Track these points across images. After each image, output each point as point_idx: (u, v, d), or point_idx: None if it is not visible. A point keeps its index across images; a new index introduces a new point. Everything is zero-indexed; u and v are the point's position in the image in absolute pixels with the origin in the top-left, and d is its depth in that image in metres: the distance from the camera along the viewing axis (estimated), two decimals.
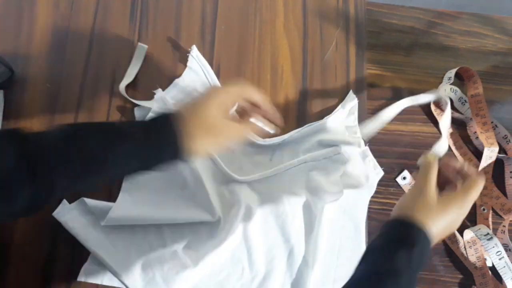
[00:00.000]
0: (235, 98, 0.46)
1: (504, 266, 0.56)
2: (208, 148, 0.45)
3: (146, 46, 0.61)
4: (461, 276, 0.59)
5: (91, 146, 0.39)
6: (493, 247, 0.56)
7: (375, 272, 0.39)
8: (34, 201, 0.36)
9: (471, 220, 0.61)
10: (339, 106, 0.61)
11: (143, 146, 0.40)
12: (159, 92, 0.57)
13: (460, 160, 0.47)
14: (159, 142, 0.41)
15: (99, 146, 0.39)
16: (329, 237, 0.55)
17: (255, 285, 0.53)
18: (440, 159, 0.46)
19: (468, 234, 0.59)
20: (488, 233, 0.56)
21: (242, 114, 0.49)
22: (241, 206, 0.54)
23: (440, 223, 0.42)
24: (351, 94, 0.62)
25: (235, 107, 0.48)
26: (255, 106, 0.48)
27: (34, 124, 0.57)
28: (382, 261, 0.39)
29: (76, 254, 0.53)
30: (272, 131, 0.51)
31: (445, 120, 0.60)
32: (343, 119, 0.60)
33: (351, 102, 0.61)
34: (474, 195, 0.44)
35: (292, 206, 0.55)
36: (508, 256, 0.56)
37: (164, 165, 0.42)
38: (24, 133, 0.37)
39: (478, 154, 0.62)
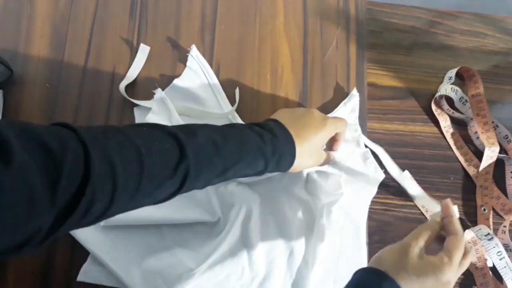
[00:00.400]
0: (332, 134, 0.53)
1: (505, 266, 0.56)
2: (305, 167, 0.51)
3: (148, 47, 0.61)
4: (461, 276, 0.58)
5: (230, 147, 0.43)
6: (494, 247, 0.55)
7: None
8: (170, 197, 0.41)
9: (471, 220, 0.61)
10: (341, 104, 0.61)
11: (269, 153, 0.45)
12: (158, 92, 0.57)
13: (454, 212, 0.45)
14: (281, 155, 0.46)
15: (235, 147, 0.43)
16: (330, 238, 0.55)
17: (255, 285, 0.53)
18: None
19: (469, 234, 0.58)
20: (488, 233, 0.56)
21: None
22: (241, 206, 0.53)
23: (418, 285, 0.40)
24: (354, 92, 0.61)
25: None
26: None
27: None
28: None
29: (76, 254, 0.53)
30: (337, 159, 0.56)
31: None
32: (345, 117, 0.60)
33: (354, 100, 0.61)
34: (457, 261, 0.41)
35: (292, 207, 0.55)
36: (508, 257, 0.56)
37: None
38: (183, 140, 0.40)
39: (478, 154, 0.62)
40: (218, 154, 0.41)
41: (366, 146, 0.60)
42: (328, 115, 0.59)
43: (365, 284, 0.41)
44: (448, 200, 0.46)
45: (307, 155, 0.49)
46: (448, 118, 0.64)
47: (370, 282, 0.41)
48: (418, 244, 0.42)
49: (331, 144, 0.56)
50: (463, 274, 0.58)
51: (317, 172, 0.56)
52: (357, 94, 0.61)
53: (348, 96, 0.61)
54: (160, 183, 0.38)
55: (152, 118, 0.56)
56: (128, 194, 0.35)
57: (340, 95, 0.62)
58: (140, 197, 0.37)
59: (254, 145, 0.44)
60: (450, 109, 0.63)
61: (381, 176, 0.58)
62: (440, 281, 0.40)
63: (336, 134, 0.54)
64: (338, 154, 0.56)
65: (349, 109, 0.60)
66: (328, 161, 0.54)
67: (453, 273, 0.41)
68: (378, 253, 0.44)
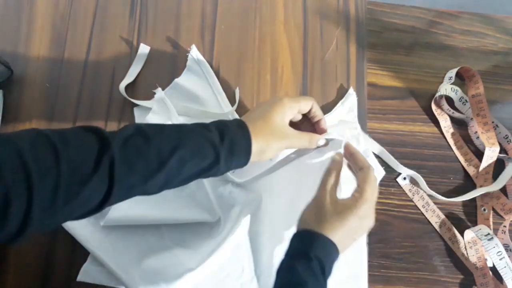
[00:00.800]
0: (294, 111, 0.48)
1: (505, 266, 0.56)
2: (272, 149, 0.46)
3: (148, 47, 0.61)
4: (461, 276, 0.59)
5: (162, 143, 0.39)
6: (494, 247, 0.55)
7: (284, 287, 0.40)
8: (106, 199, 0.36)
9: (471, 220, 0.61)
10: (339, 103, 0.61)
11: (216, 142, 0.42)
12: (159, 92, 0.56)
13: (353, 149, 0.47)
14: (232, 139, 0.43)
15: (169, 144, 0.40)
16: None
17: (255, 285, 0.53)
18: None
19: (469, 234, 0.58)
20: (488, 233, 0.56)
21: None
22: (241, 206, 0.53)
23: (339, 232, 0.42)
24: (351, 91, 0.61)
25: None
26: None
27: (33, 124, 0.57)
28: (289, 276, 0.40)
29: (76, 254, 0.53)
30: (322, 143, 0.51)
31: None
32: (343, 116, 0.60)
33: (351, 99, 0.61)
34: (369, 193, 0.43)
35: (292, 206, 0.55)
36: (508, 257, 0.56)
37: (232, 167, 0.44)
38: (104, 131, 0.38)
39: (479, 154, 0.62)
40: (149, 143, 0.39)
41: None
42: (326, 114, 0.60)
43: (299, 250, 0.42)
44: (349, 143, 0.48)
45: (265, 134, 0.45)
46: (448, 118, 0.64)
47: (302, 246, 0.42)
48: (328, 191, 0.44)
49: (312, 126, 0.52)
50: (464, 274, 0.58)
51: (315, 170, 0.55)
52: (354, 93, 0.61)
53: (345, 95, 0.62)
54: (85, 179, 0.35)
55: (153, 118, 0.56)
56: (48, 189, 0.33)
57: (340, 95, 0.62)
58: (65, 194, 0.34)
59: (195, 132, 0.42)
60: (450, 109, 0.63)
61: (382, 173, 0.58)
62: (360, 217, 0.43)
63: (311, 113, 0.50)
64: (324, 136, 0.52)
65: (347, 108, 0.60)
66: (312, 142, 0.49)
67: (369, 204, 0.43)
68: (300, 215, 0.46)
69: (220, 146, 0.42)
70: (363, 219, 0.43)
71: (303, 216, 0.45)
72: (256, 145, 0.44)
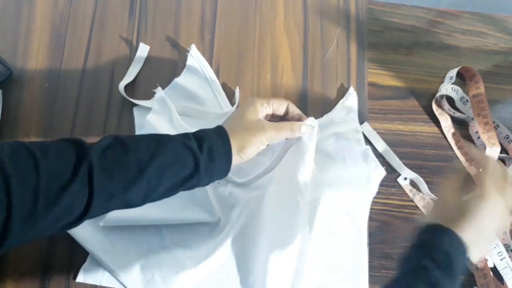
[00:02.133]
0: (268, 109, 0.50)
1: (506, 267, 0.55)
2: (251, 144, 0.46)
3: (148, 47, 0.60)
4: (462, 276, 0.58)
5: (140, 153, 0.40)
6: (495, 247, 0.55)
7: (417, 265, 0.40)
8: (87, 209, 0.36)
9: None
10: (339, 103, 0.61)
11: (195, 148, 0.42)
12: (159, 92, 0.56)
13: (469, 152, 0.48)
14: (210, 145, 0.43)
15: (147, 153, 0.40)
16: (330, 238, 0.54)
17: (254, 284, 0.53)
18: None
19: None
20: None
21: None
22: (241, 207, 0.53)
23: (471, 226, 0.41)
24: (351, 91, 0.61)
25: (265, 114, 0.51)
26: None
27: (33, 123, 0.57)
28: (414, 265, 0.40)
29: (75, 254, 0.53)
30: (306, 130, 0.51)
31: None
32: (343, 116, 0.60)
33: (351, 99, 0.60)
34: (488, 182, 0.43)
35: (292, 206, 0.54)
36: (509, 257, 0.56)
37: (215, 169, 0.44)
38: (83, 142, 0.38)
39: None
40: (128, 151, 0.39)
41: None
42: (326, 114, 0.60)
43: (425, 241, 0.42)
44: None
45: (241, 130, 0.46)
46: (449, 118, 0.63)
47: (429, 238, 0.42)
48: (450, 190, 0.45)
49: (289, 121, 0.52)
50: (464, 275, 0.58)
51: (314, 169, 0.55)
52: (354, 93, 0.61)
53: (346, 95, 0.61)
54: (64, 186, 0.35)
55: (153, 118, 0.56)
56: (28, 195, 0.33)
57: (341, 95, 0.62)
58: (45, 201, 0.34)
59: (174, 141, 0.42)
60: (451, 109, 0.63)
61: (382, 173, 0.58)
62: (484, 214, 0.42)
63: (289, 114, 0.52)
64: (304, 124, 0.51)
65: (347, 108, 0.60)
66: (294, 129, 0.49)
67: (492, 198, 0.42)
68: (428, 213, 0.47)
69: (199, 153, 0.42)
70: (491, 210, 0.42)
71: (430, 214, 0.46)
72: (234, 144, 0.45)
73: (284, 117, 0.53)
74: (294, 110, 0.52)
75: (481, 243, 0.43)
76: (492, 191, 0.42)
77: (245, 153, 0.46)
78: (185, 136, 0.43)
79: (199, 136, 0.43)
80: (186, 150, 0.41)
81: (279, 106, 0.50)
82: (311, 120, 0.51)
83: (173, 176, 0.41)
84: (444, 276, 0.39)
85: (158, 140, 0.42)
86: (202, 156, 0.42)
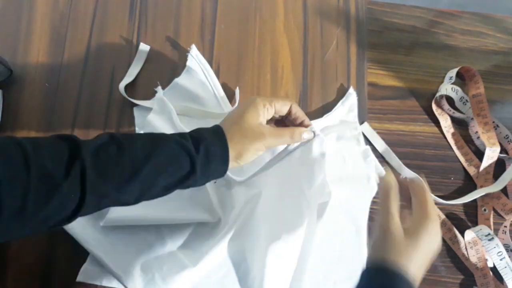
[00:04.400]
0: (270, 111, 0.47)
1: (506, 267, 0.55)
2: (249, 152, 0.45)
3: (148, 47, 0.60)
4: (462, 276, 0.59)
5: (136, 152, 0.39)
6: (494, 247, 0.55)
7: None
8: (79, 208, 0.36)
9: (472, 220, 0.61)
10: (339, 103, 0.61)
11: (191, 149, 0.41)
12: (159, 92, 0.56)
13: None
14: (207, 147, 0.42)
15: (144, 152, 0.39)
16: (330, 238, 0.55)
17: (254, 283, 0.53)
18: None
19: (469, 234, 0.58)
20: (489, 234, 0.56)
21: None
22: (241, 207, 0.53)
23: (416, 259, 0.40)
24: (351, 91, 0.61)
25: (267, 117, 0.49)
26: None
27: (33, 123, 0.57)
28: None
29: (75, 254, 0.53)
30: (308, 136, 0.50)
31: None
32: (343, 116, 0.60)
33: (351, 99, 0.61)
34: (431, 212, 0.41)
35: (292, 206, 0.55)
36: (509, 257, 0.56)
37: (211, 171, 0.43)
38: (77, 139, 0.37)
39: (479, 154, 0.62)
40: (123, 150, 0.38)
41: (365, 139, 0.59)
42: (326, 114, 0.60)
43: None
44: (389, 173, 0.45)
45: (240, 137, 0.44)
46: (448, 118, 0.63)
47: (378, 284, 0.40)
48: (393, 216, 0.42)
49: (293, 124, 0.51)
50: (464, 274, 0.58)
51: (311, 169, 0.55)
52: (354, 93, 0.61)
53: (346, 95, 0.61)
54: (56, 184, 0.34)
55: (154, 118, 0.56)
56: (17, 192, 0.33)
57: (341, 95, 0.62)
58: (35, 199, 0.33)
59: (170, 141, 0.41)
60: (450, 109, 0.63)
61: (382, 173, 0.58)
62: (429, 240, 0.41)
63: (292, 115, 0.49)
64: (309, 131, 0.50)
65: (347, 108, 0.60)
66: (295, 136, 0.48)
67: (435, 222, 0.41)
68: (370, 244, 0.43)
69: (196, 155, 0.41)
70: (433, 239, 0.41)
71: (375, 246, 0.43)
72: (232, 151, 0.43)
73: (287, 117, 0.51)
74: (298, 111, 0.49)
75: (426, 264, 0.42)
76: (435, 216, 0.41)
77: (242, 159, 0.45)
78: (181, 136, 0.43)
79: (196, 137, 0.43)
80: (182, 151, 0.41)
81: (282, 107, 0.48)
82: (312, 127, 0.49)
83: (169, 177, 0.40)
84: None
85: (154, 140, 0.41)
86: (198, 157, 0.41)
